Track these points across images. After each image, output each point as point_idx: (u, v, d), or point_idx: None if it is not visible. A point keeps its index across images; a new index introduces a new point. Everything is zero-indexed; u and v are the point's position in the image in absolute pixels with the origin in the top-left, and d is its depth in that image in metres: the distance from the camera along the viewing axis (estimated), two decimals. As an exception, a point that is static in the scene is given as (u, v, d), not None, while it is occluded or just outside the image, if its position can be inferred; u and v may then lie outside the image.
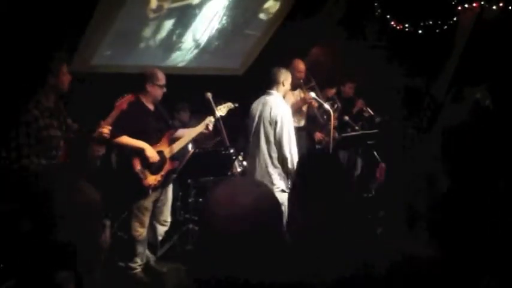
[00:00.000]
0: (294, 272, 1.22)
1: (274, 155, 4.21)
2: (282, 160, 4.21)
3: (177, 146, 4.16)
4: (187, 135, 4.24)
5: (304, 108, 5.47)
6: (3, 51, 3.91)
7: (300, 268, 1.24)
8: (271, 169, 4.21)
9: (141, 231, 4.11)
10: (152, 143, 4.03)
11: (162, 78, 4.07)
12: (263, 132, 4.24)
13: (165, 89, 4.10)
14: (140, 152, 3.93)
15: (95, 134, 3.49)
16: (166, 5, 5.28)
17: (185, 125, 5.06)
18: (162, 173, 4.05)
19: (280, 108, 4.24)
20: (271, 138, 4.21)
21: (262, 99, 4.36)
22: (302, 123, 5.46)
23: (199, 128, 4.24)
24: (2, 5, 3.90)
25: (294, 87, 5.37)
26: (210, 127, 4.24)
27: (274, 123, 4.18)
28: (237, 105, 4.51)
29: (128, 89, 4.02)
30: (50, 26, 4.15)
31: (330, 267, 1.17)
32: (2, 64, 3.89)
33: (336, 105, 5.77)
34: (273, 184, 4.17)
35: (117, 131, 3.76)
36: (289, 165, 4.18)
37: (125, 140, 3.90)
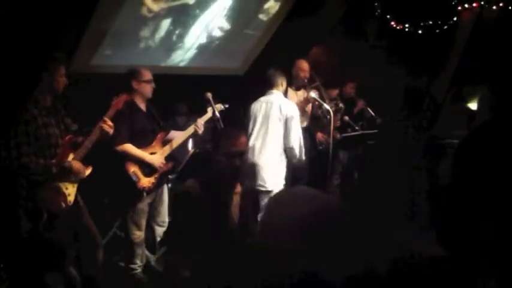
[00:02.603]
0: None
1: (281, 150, 4.31)
2: (290, 157, 4.34)
3: (169, 148, 4.12)
4: (178, 137, 4.20)
5: (307, 108, 5.47)
6: (2, 50, 3.90)
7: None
8: (278, 167, 4.25)
9: (139, 234, 4.08)
10: (145, 144, 4.00)
11: (146, 74, 4.01)
12: (271, 131, 4.29)
13: (153, 84, 4.03)
14: (142, 162, 3.94)
15: (92, 134, 3.48)
16: (164, 5, 5.28)
17: (182, 127, 5.04)
18: (156, 175, 4.00)
19: (289, 105, 4.37)
20: (280, 135, 4.28)
21: (264, 99, 4.42)
22: (305, 123, 5.45)
23: (190, 131, 4.20)
24: (1, 5, 3.89)
25: (298, 87, 5.38)
26: (200, 130, 4.22)
27: (284, 121, 4.27)
28: (227, 106, 4.49)
29: (128, 89, 4.01)
30: (50, 26, 4.15)
31: (335, 265, 1.17)
32: (1, 63, 3.89)
33: (339, 106, 5.76)
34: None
35: (114, 138, 3.73)
36: (297, 159, 4.37)
37: (128, 148, 3.90)
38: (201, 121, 4.21)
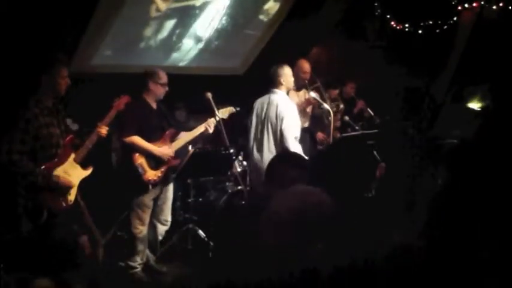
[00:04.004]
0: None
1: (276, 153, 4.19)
2: None
3: (177, 145, 4.20)
4: (188, 135, 4.28)
5: (309, 109, 5.46)
6: (4, 50, 3.92)
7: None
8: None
9: (141, 229, 4.12)
10: (153, 140, 4.08)
11: (163, 77, 4.16)
12: (270, 130, 4.25)
13: (167, 88, 4.17)
14: (149, 153, 4.01)
15: (92, 134, 3.51)
16: (167, 5, 5.28)
17: (182, 125, 5.06)
18: (162, 169, 4.08)
19: (286, 105, 4.28)
20: (278, 136, 4.23)
21: (266, 98, 4.37)
22: (306, 124, 5.43)
23: (200, 129, 4.27)
24: (2, 5, 3.91)
25: (298, 87, 5.36)
26: (211, 129, 4.27)
27: (280, 120, 4.21)
28: (238, 109, 4.54)
29: (128, 89, 4.03)
30: (50, 26, 4.16)
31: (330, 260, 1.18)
32: (3, 62, 3.90)
33: (340, 106, 5.76)
34: None
35: (122, 130, 3.84)
36: None
37: (136, 140, 3.97)
38: (213, 120, 4.30)
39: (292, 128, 4.25)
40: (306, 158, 3.95)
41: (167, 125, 4.23)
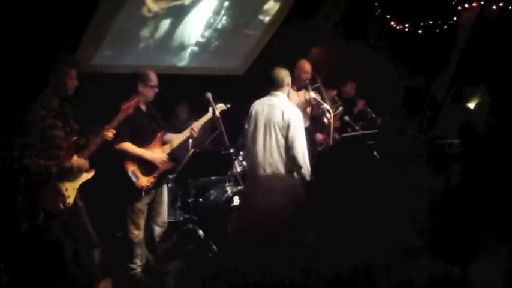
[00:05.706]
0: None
1: (284, 160, 4.05)
2: (295, 166, 4.05)
3: (169, 148, 4.15)
4: (176, 139, 4.21)
5: (309, 109, 5.44)
6: (9, 52, 3.91)
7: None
8: (281, 174, 4.05)
9: (137, 234, 4.10)
10: (145, 143, 4.03)
11: (154, 79, 4.07)
12: (274, 137, 4.06)
13: (157, 90, 4.09)
14: (141, 159, 3.97)
15: (98, 137, 3.49)
16: (158, 6, 5.28)
17: (184, 124, 5.05)
18: (155, 174, 4.03)
19: (292, 112, 4.09)
20: (283, 143, 4.05)
21: (266, 100, 4.18)
22: (306, 124, 5.41)
23: (186, 134, 4.22)
24: (2, 5, 3.90)
25: (299, 87, 5.35)
26: (196, 133, 4.23)
27: (286, 128, 4.02)
28: (229, 105, 4.48)
29: (128, 89, 4.01)
30: (51, 26, 4.16)
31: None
32: (8, 64, 3.90)
33: (339, 108, 5.76)
34: None
35: (117, 135, 3.76)
36: (304, 172, 4.05)
37: (128, 146, 3.93)
38: (198, 124, 4.24)
39: (300, 136, 4.06)
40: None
41: (158, 127, 4.15)
